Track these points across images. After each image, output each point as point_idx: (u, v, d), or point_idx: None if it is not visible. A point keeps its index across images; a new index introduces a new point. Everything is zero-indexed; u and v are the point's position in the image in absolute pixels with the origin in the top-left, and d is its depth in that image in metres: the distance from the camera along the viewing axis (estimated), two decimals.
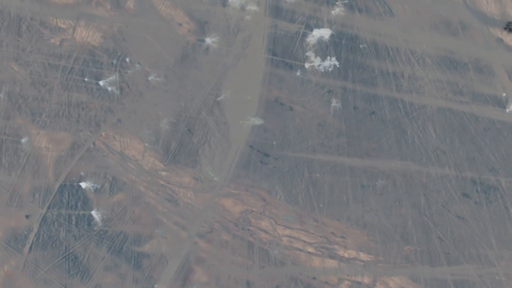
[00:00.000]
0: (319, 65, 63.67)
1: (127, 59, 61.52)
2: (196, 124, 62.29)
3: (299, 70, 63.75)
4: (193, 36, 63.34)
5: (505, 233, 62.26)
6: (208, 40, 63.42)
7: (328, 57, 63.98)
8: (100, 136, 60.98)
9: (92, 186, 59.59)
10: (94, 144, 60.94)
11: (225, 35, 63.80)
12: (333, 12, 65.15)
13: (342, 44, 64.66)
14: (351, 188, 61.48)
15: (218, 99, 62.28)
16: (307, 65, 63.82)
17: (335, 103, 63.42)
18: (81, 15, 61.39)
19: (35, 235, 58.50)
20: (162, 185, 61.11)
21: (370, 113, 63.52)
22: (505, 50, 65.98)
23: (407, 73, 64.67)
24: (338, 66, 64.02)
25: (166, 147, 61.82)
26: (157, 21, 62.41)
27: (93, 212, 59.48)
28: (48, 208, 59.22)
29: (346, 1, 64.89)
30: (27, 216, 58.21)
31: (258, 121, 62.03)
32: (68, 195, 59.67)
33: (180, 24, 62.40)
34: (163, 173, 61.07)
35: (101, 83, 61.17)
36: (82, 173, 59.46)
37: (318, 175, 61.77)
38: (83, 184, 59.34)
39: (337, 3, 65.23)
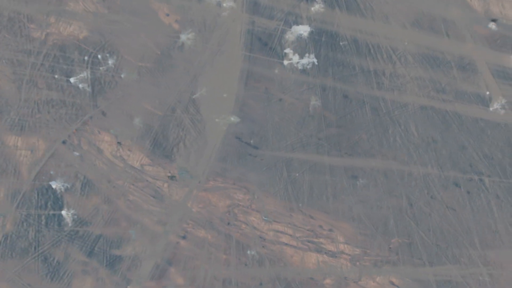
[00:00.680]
0: (297, 63, 62.67)
1: (99, 56, 60.70)
2: (171, 122, 60.69)
3: (277, 68, 62.90)
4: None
5: (489, 233, 61.18)
6: (183, 37, 62.40)
7: (307, 54, 63.06)
8: (71, 134, 60.03)
9: (63, 185, 58.86)
10: (64, 142, 60.10)
11: (201, 32, 63.02)
12: (312, 8, 64.46)
13: (322, 41, 63.92)
14: (331, 187, 60.24)
15: (194, 96, 61.52)
16: (285, 62, 63.03)
17: (314, 101, 62.61)
18: (52, 11, 60.24)
19: (3, 236, 57.48)
20: (136, 183, 60.31)
21: (350, 111, 62.22)
22: (489, 47, 64.89)
23: (389, 71, 63.94)
24: (316, 63, 63.05)
25: (140, 145, 60.72)
26: (134, 16, 61.31)
27: (64, 212, 58.66)
28: (17, 208, 58.43)
29: None
30: None
31: (234, 119, 60.96)
32: (38, 195, 58.87)
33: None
34: (138, 171, 60.28)
35: (72, 80, 60.02)
36: (52, 172, 58.82)
37: (297, 174, 60.57)
38: (53, 183, 58.63)
39: None
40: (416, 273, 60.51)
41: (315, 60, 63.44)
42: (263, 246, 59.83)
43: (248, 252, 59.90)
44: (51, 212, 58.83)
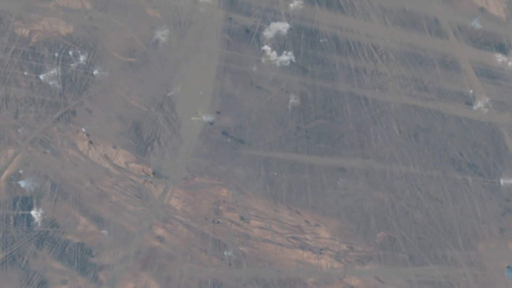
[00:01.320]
0: (275, 60, 61.73)
1: (70, 52, 59.67)
2: (145, 121, 59.59)
3: (255, 65, 62.00)
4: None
5: (472, 233, 60.21)
6: (157, 33, 61.39)
7: (285, 52, 62.12)
8: (41, 132, 58.88)
9: (32, 185, 57.72)
10: (34, 140, 58.81)
11: (176, 28, 61.90)
12: (291, 5, 63.76)
13: (301, 38, 63.18)
14: (311, 187, 59.21)
15: (169, 94, 60.42)
16: (263, 59, 61.99)
17: (293, 99, 61.68)
18: (23, 8, 59.36)
19: None
20: (110, 182, 59.23)
21: (330, 110, 61.33)
22: (472, 45, 64.26)
23: (370, 69, 63.18)
24: (294, 61, 62.22)
25: (112, 144, 59.93)
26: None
27: (33, 212, 57.43)
28: None
29: None
30: None
31: (210, 118, 59.92)
32: (6, 194, 57.47)
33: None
34: (110, 170, 59.41)
35: (41, 77, 59.11)
36: (21, 171, 57.87)
37: (275, 174, 59.49)
38: (22, 183, 57.52)
39: None
40: (398, 273, 59.24)
41: (293, 57, 62.56)
42: (246, 245, 58.62)
43: (225, 253, 58.59)
44: (20, 212, 57.62)
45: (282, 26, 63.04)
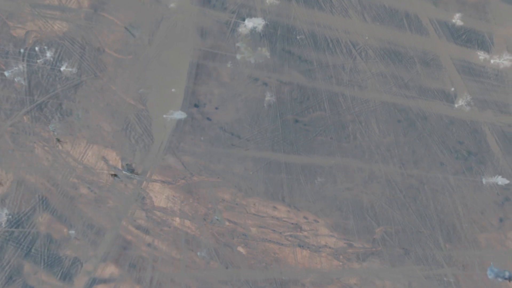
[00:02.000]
0: (250, 57, 60.62)
1: (37, 48, 58.60)
2: (115, 118, 58.72)
3: (230, 62, 60.85)
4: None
5: (453, 232, 59.02)
6: (129, 29, 60.18)
7: (259, 48, 61.02)
8: (6, 130, 57.85)
9: None
10: None
11: (147, 24, 60.58)
12: (267, 0, 63.00)
13: (277, 34, 62.18)
14: (287, 186, 58.02)
15: (139, 91, 59.17)
16: (238, 56, 60.90)
17: (269, 96, 60.40)
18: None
19: None
20: (77, 179, 58.30)
21: (307, 108, 60.23)
22: (454, 42, 63.44)
23: (348, 66, 62.26)
24: (269, 57, 61.14)
25: (81, 141, 59.09)
26: None
27: None
28: None
29: None
30: None
31: (182, 115, 58.80)
32: None
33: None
34: (78, 167, 58.28)
35: (6, 73, 58.13)
36: None
37: (251, 173, 58.31)
38: None
39: None
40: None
41: (267, 54, 61.46)
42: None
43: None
44: None
45: (258, 22, 62.03)
